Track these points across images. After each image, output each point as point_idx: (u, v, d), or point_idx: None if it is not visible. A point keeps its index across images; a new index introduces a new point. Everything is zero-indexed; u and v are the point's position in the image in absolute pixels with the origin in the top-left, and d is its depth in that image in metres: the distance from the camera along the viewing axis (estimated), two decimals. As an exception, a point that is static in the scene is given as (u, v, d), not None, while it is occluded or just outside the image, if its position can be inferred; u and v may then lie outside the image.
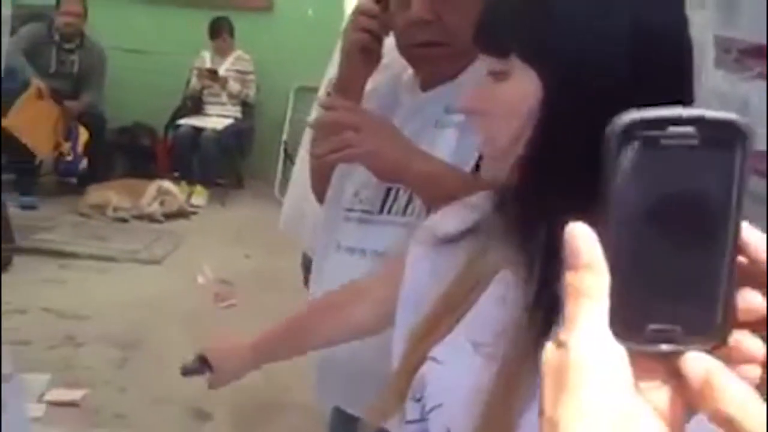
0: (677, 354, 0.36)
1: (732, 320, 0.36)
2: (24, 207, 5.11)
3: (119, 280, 4.25)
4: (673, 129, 0.36)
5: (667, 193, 0.36)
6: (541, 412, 0.36)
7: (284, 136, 5.96)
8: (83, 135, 5.48)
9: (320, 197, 1.36)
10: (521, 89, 0.71)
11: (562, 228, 0.66)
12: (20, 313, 3.61)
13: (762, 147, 1.54)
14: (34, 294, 3.82)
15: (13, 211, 4.70)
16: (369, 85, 1.37)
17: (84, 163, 5.59)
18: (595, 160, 0.67)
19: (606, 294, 0.36)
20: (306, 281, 2.01)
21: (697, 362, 0.35)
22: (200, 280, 4.30)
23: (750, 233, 0.36)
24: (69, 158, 5.50)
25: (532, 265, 0.69)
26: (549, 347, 0.37)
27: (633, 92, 0.66)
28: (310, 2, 5.93)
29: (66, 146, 5.43)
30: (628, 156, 0.37)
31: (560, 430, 0.34)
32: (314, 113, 1.24)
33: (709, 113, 0.36)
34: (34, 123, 5.16)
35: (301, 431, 2.94)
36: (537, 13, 0.69)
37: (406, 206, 1.22)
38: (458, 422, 0.72)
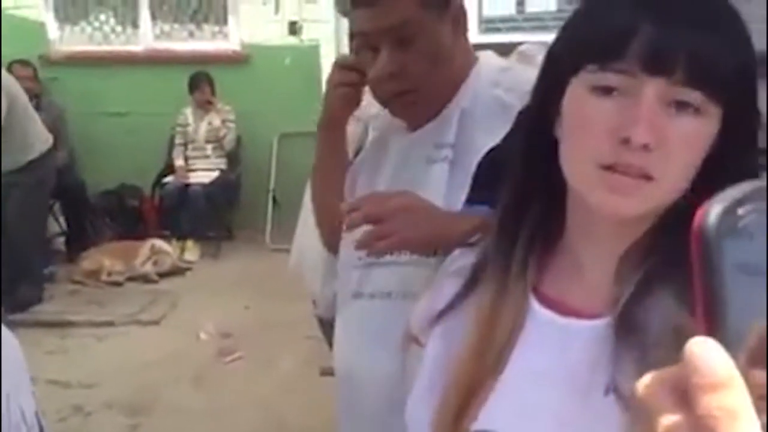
0: None
1: None
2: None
3: (121, 345, 4.21)
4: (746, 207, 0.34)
5: None
6: None
7: (271, 184, 5.99)
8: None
9: (333, 250, 1.38)
10: (711, 127, 0.69)
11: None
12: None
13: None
14: (39, 367, 3.76)
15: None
16: (369, 136, 1.41)
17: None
18: None
19: (751, 403, 0.33)
20: (322, 329, 2.01)
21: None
22: (203, 336, 4.27)
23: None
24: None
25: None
26: None
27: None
28: (287, 51, 5.98)
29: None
30: (732, 247, 0.34)
31: None
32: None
33: None
34: None
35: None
36: (743, 62, 0.70)
37: None
38: None
